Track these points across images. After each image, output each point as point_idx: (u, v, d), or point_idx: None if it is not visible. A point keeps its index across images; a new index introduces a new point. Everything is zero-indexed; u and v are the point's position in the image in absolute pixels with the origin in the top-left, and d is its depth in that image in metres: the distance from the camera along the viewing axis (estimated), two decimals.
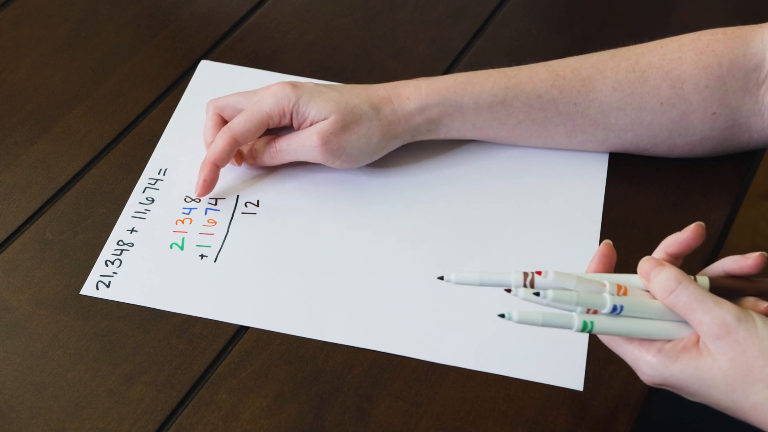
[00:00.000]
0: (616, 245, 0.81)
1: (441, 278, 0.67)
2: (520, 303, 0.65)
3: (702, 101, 0.84)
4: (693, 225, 0.69)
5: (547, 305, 0.65)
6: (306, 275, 0.81)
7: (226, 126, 0.85)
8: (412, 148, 0.90)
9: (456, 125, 0.86)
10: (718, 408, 0.66)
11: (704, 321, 0.64)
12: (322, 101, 0.84)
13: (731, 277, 0.68)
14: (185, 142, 0.91)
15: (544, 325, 0.65)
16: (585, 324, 0.65)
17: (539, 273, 0.65)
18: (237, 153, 0.86)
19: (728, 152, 0.89)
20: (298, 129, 0.86)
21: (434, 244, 0.83)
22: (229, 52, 1.00)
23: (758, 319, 0.63)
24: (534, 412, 0.73)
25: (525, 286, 0.66)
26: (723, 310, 0.64)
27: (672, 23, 1.05)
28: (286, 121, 0.85)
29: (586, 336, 0.77)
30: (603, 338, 0.69)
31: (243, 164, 0.88)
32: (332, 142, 0.83)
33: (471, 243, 0.84)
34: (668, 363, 0.65)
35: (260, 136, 0.86)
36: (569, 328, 0.65)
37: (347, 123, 0.84)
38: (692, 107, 0.85)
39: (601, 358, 0.76)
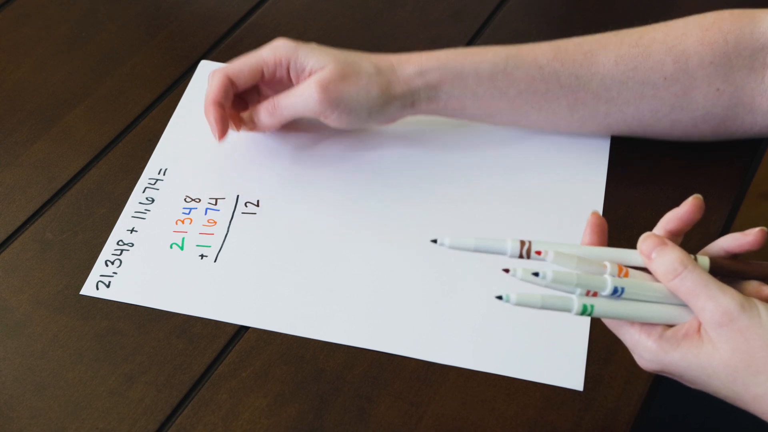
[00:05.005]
0: (616, 245, 0.81)
1: (434, 241, 0.64)
2: (519, 286, 0.63)
3: (706, 77, 0.84)
4: (690, 198, 0.66)
5: (546, 286, 0.62)
6: (306, 275, 0.81)
7: (219, 67, 0.87)
8: (412, 149, 0.90)
9: (456, 93, 0.86)
10: (718, 396, 0.65)
11: (707, 308, 0.62)
12: (321, 53, 0.85)
13: (731, 258, 0.67)
14: (185, 142, 0.91)
15: (542, 307, 0.62)
16: (585, 307, 0.62)
17: (539, 253, 0.63)
18: (235, 117, 0.88)
19: (732, 136, 0.88)
20: (297, 84, 0.86)
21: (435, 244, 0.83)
22: (229, 52, 1.00)
23: (762, 308, 0.62)
24: (534, 412, 0.73)
25: (521, 255, 0.63)
26: (727, 297, 0.62)
27: None
28: (282, 72, 0.86)
29: (586, 336, 0.77)
30: (608, 322, 0.67)
31: (241, 166, 0.88)
32: (331, 90, 0.84)
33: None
34: (669, 349, 0.63)
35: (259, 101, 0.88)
36: (568, 311, 0.62)
37: (346, 73, 0.84)
38: (696, 83, 0.84)
39: (601, 358, 0.76)
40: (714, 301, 0.62)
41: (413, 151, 0.91)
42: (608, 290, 0.63)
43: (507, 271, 0.62)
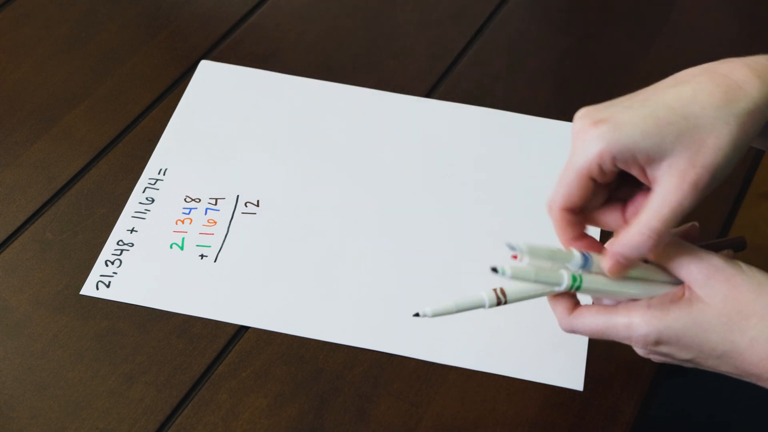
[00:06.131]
0: None
1: (417, 315, 0.64)
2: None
3: None
4: (688, 225, 0.68)
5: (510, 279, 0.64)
6: (306, 275, 0.81)
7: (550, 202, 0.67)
8: (412, 149, 0.90)
9: None
10: (717, 361, 0.65)
11: (692, 267, 0.64)
12: (646, 129, 0.61)
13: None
14: (185, 142, 0.91)
15: (536, 280, 0.64)
16: (574, 279, 0.65)
17: (515, 257, 0.65)
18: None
19: None
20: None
21: (435, 244, 0.83)
22: (229, 52, 1.00)
23: (742, 263, 0.64)
24: (534, 412, 0.73)
25: (498, 303, 0.65)
26: (709, 254, 0.64)
27: (672, 23, 1.05)
28: (608, 167, 0.63)
29: (586, 336, 0.77)
30: (594, 330, 0.68)
31: (241, 166, 0.87)
32: (701, 178, 0.62)
33: (471, 242, 0.84)
34: (661, 316, 0.64)
35: None
36: (559, 284, 0.65)
37: (699, 147, 0.62)
38: None
39: (601, 358, 0.76)
40: (698, 259, 0.64)
41: (413, 151, 0.91)
42: (565, 284, 0.65)
43: (495, 270, 0.63)
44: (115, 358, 0.75)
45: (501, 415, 0.73)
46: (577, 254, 0.65)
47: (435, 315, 0.65)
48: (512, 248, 0.64)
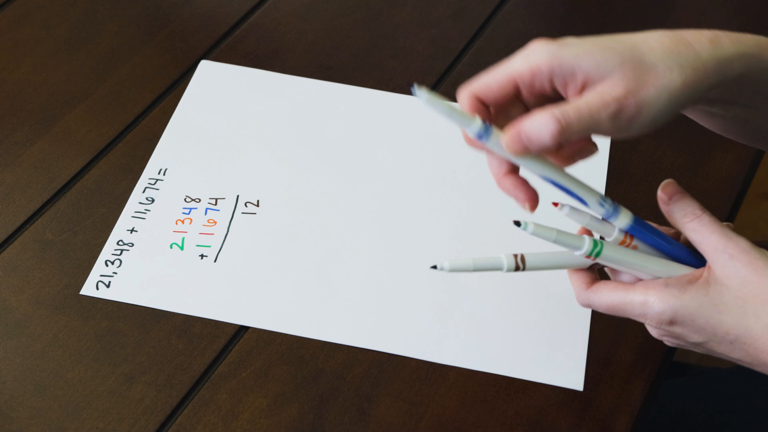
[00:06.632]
0: None
1: (434, 267, 0.65)
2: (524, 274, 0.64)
3: None
4: (723, 224, 0.67)
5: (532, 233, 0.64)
6: (306, 275, 0.81)
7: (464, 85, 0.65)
8: (413, 149, 0.90)
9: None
10: (729, 347, 0.65)
11: (721, 243, 0.64)
12: (592, 52, 0.62)
13: None
14: (185, 142, 0.91)
15: (556, 241, 0.65)
16: (595, 244, 0.65)
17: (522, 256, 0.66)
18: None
19: None
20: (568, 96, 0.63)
21: (435, 244, 0.83)
22: (229, 52, 1.00)
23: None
24: (534, 412, 0.73)
25: (517, 268, 0.66)
26: (739, 237, 0.65)
27: (672, 23, 1.05)
28: (543, 84, 0.63)
29: (586, 336, 0.77)
30: (610, 305, 0.67)
31: (241, 166, 0.87)
32: (627, 108, 0.61)
33: (472, 242, 0.84)
34: (678, 294, 0.65)
35: None
36: (579, 248, 0.65)
37: (640, 79, 0.61)
38: None
39: (601, 358, 0.76)
40: (728, 238, 0.64)
41: (413, 151, 0.91)
42: (586, 247, 0.65)
43: (518, 223, 0.64)
44: (115, 358, 0.75)
45: (501, 415, 0.73)
46: (479, 121, 0.61)
47: (452, 270, 0.65)
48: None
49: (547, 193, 0.66)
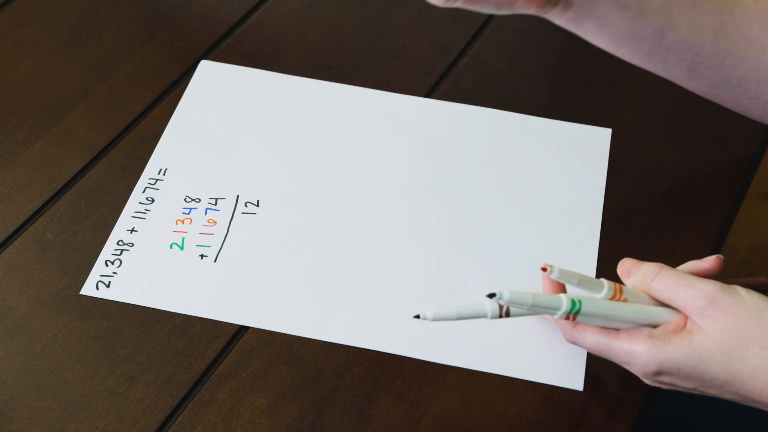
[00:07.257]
0: (616, 245, 0.81)
1: (417, 317, 0.67)
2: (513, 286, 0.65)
3: None
4: (714, 257, 0.69)
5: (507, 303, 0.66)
6: (306, 275, 0.81)
7: None
8: (413, 148, 0.90)
9: None
10: (720, 390, 0.65)
11: (689, 296, 0.64)
12: None
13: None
14: (185, 142, 0.91)
15: (533, 305, 0.65)
16: (573, 303, 0.65)
17: (545, 269, 0.66)
18: None
19: None
20: None
21: (435, 244, 0.83)
22: (229, 52, 1.00)
23: (740, 289, 0.64)
24: (534, 412, 0.73)
25: (501, 315, 0.67)
26: (706, 283, 0.65)
27: None
28: None
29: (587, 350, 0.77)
30: (595, 347, 0.69)
31: (241, 166, 0.87)
32: None
33: (472, 243, 0.84)
34: (662, 345, 0.65)
35: None
36: (558, 308, 0.66)
37: None
38: None
39: (601, 358, 0.76)
40: (694, 288, 0.65)
41: (413, 151, 0.91)
42: (564, 307, 0.66)
43: (492, 295, 0.65)
44: (115, 358, 0.75)
45: (501, 415, 0.73)
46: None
47: (435, 319, 0.66)
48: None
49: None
